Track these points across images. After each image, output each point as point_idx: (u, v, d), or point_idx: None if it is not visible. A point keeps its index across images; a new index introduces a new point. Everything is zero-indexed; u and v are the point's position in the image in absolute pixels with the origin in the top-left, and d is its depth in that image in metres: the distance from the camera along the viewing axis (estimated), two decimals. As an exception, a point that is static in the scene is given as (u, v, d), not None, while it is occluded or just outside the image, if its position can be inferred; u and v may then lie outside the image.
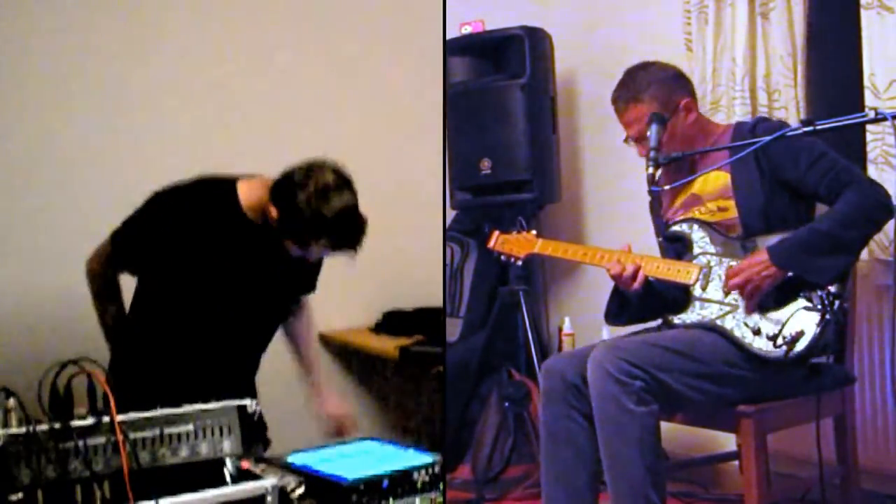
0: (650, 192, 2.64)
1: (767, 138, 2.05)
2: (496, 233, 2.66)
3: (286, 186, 2.14)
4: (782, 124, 2.49)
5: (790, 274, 2.20)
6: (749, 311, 2.25)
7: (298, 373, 2.58)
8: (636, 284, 2.36)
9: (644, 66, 2.51)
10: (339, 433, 2.45)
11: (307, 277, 2.49)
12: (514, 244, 2.60)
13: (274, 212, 2.15)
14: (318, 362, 2.58)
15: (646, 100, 2.43)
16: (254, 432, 2.28)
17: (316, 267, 2.49)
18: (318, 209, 2.10)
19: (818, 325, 2.17)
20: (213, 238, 2.22)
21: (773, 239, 2.27)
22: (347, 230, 2.14)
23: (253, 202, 2.22)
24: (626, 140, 2.51)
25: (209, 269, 2.23)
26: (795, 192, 2.34)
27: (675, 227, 2.46)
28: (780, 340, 2.19)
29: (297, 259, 2.25)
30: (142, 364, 2.28)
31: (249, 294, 2.30)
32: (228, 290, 2.27)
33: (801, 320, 2.20)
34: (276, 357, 2.50)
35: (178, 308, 2.26)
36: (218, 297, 2.26)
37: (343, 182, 2.17)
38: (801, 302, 2.21)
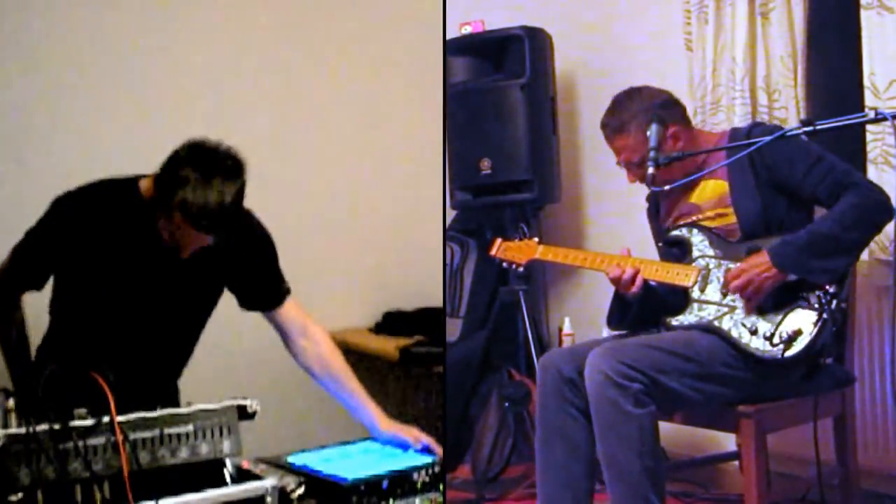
0: (648, 199, 2.65)
1: (767, 138, 2.06)
2: (498, 240, 2.67)
3: (170, 160, 2.02)
4: (778, 128, 2.49)
5: (791, 276, 2.20)
6: (749, 312, 2.25)
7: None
8: (635, 288, 2.36)
9: (630, 95, 2.48)
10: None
11: (251, 275, 2.31)
12: (515, 251, 2.62)
13: (152, 184, 2.05)
14: (358, 387, 2.30)
15: (632, 131, 2.42)
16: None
17: (261, 261, 2.32)
18: (191, 176, 1.96)
19: (815, 324, 2.17)
20: (118, 237, 2.12)
21: (773, 242, 2.27)
22: (214, 205, 1.96)
23: (150, 195, 2.10)
24: (618, 163, 2.51)
25: (119, 269, 2.14)
26: (794, 197, 2.34)
27: (675, 232, 2.46)
28: (776, 340, 2.19)
29: (218, 253, 2.15)
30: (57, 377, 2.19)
31: (163, 291, 2.19)
32: (140, 288, 2.17)
33: (798, 320, 2.20)
34: (275, 357, 2.49)
35: (93, 314, 2.16)
36: (130, 297, 2.17)
37: (223, 160, 2.02)
38: (799, 302, 2.21)
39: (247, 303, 2.34)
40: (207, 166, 1.97)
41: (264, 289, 2.32)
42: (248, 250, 2.28)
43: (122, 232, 2.12)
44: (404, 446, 2.12)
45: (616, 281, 2.38)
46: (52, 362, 2.14)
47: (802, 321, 2.19)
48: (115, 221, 2.12)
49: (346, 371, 2.31)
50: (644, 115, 2.41)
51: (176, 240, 2.06)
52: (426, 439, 2.12)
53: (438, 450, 2.09)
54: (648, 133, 2.34)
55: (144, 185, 2.12)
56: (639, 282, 2.36)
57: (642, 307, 2.43)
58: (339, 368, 2.31)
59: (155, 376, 2.28)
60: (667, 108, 2.46)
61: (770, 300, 2.23)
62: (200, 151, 2.01)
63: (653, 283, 2.40)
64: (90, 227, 2.10)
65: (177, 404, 2.23)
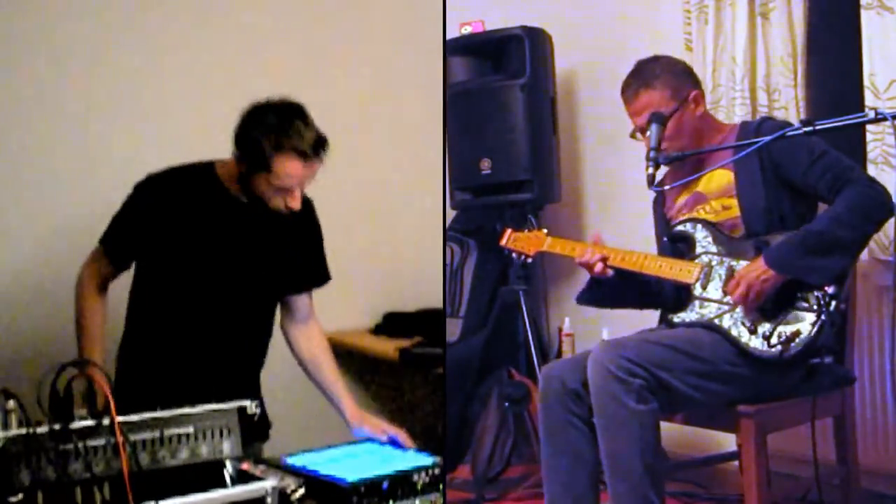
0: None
1: (769, 137, 2.05)
2: (508, 230, 2.68)
3: (243, 122, 2.16)
4: (787, 124, 2.49)
5: (788, 277, 2.20)
6: (751, 316, 2.25)
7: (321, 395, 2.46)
8: (598, 269, 2.41)
9: (655, 58, 2.54)
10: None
11: (307, 257, 2.43)
12: (524, 242, 2.64)
13: (237, 153, 2.16)
14: (339, 381, 2.42)
15: (658, 87, 2.44)
16: (255, 429, 2.29)
17: (315, 245, 2.44)
18: (271, 120, 2.12)
19: (814, 325, 2.17)
20: (201, 218, 2.22)
21: (775, 238, 2.27)
22: (304, 133, 2.12)
23: (232, 177, 2.23)
24: (632, 134, 2.51)
25: (202, 251, 2.23)
26: (797, 192, 2.34)
27: (680, 227, 2.47)
28: (774, 340, 2.19)
29: (288, 232, 2.26)
30: (143, 364, 2.28)
31: (243, 272, 2.28)
32: (222, 268, 2.26)
33: (797, 321, 2.20)
34: (275, 357, 2.49)
35: (177, 297, 2.25)
36: (214, 278, 2.25)
37: (293, 105, 2.18)
38: (798, 303, 2.21)
39: (297, 282, 2.43)
40: (278, 111, 2.14)
41: (315, 268, 2.46)
42: (311, 229, 2.43)
43: (204, 210, 2.22)
44: (372, 439, 2.19)
45: (586, 265, 2.44)
46: (135, 360, 2.28)
47: (801, 322, 2.19)
48: (198, 201, 2.22)
49: (328, 361, 2.44)
50: (669, 74, 2.47)
51: (284, 190, 2.15)
52: (394, 431, 2.19)
53: (408, 441, 2.15)
54: (649, 133, 2.35)
55: (220, 166, 2.25)
56: (601, 266, 2.41)
57: (614, 290, 2.48)
58: (325, 359, 2.43)
59: (237, 368, 2.34)
60: (688, 73, 2.54)
61: (770, 300, 2.23)
62: (262, 106, 2.15)
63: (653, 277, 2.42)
64: (173, 208, 2.21)
65: (259, 399, 2.31)
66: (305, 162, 2.12)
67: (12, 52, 2.93)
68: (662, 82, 2.45)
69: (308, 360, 2.44)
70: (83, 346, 2.27)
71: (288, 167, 2.11)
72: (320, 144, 2.14)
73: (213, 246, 2.25)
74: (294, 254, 2.38)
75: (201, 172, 2.26)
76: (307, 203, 2.38)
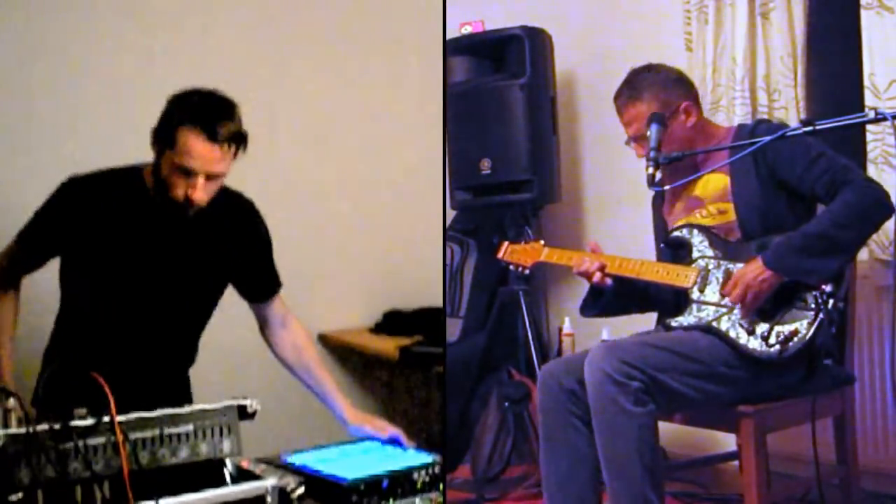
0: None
1: (767, 138, 2.05)
2: (505, 243, 2.69)
3: (166, 105, 2.08)
4: (782, 125, 2.49)
5: (786, 278, 2.20)
6: (749, 317, 2.24)
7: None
8: (596, 279, 2.42)
9: (648, 68, 2.52)
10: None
11: (251, 266, 2.35)
12: (521, 254, 2.65)
13: (152, 138, 2.08)
14: (328, 381, 2.37)
15: (645, 99, 2.43)
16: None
17: (259, 252, 2.36)
18: (192, 98, 2.05)
19: (812, 324, 2.17)
20: (121, 221, 2.15)
21: (772, 241, 2.27)
22: (221, 118, 2.00)
23: (150, 174, 2.15)
24: (627, 142, 2.51)
25: (122, 254, 2.16)
26: (794, 193, 2.34)
27: (676, 233, 2.47)
28: (773, 340, 2.19)
29: (219, 236, 2.20)
30: (65, 363, 2.21)
31: (169, 273, 2.22)
32: (141, 273, 2.19)
33: (795, 321, 2.20)
34: (275, 357, 2.49)
35: (98, 299, 2.19)
36: (133, 281, 2.19)
37: (219, 97, 2.08)
38: (796, 302, 2.21)
39: (246, 293, 2.39)
40: (206, 96, 2.05)
41: (261, 281, 2.38)
42: (253, 239, 2.33)
43: (127, 214, 2.15)
44: (372, 437, 2.17)
45: (584, 274, 2.45)
46: (59, 360, 2.20)
47: (799, 322, 2.19)
48: (121, 204, 2.15)
49: (318, 362, 2.40)
50: (658, 86, 2.45)
51: (183, 176, 2.03)
52: (393, 430, 2.17)
53: (407, 440, 2.14)
54: (648, 133, 2.34)
55: (147, 171, 2.16)
56: (599, 276, 2.42)
57: (615, 297, 2.47)
58: (312, 359, 2.39)
59: (164, 367, 2.30)
60: (681, 83, 2.51)
61: (768, 301, 2.23)
62: (196, 90, 2.06)
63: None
64: (96, 209, 2.13)
65: (188, 396, 2.31)
66: (211, 143, 1.98)
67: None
68: (650, 95, 2.44)
69: (295, 365, 2.39)
70: None
71: (190, 141, 1.98)
72: (237, 135, 2.03)
73: (132, 250, 2.17)
74: (230, 259, 2.29)
75: (126, 175, 2.17)
76: (248, 208, 2.30)
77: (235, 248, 2.28)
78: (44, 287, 2.31)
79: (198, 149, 2.00)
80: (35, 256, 2.24)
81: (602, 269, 2.43)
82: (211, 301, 2.35)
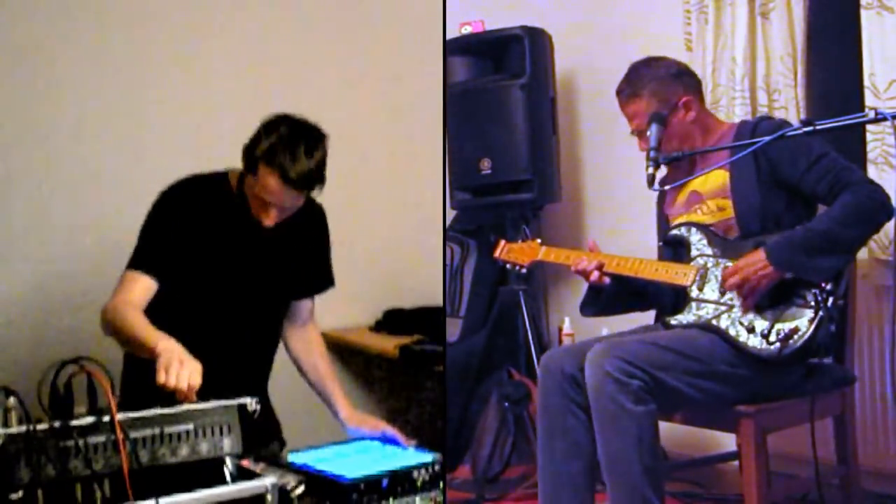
0: (660, 183, 2.64)
1: (767, 138, 2.05)
2: (502, 242, 2.68)
3: (259, 128, 2.15)
4: (784, 123, 2.49)
5: (786, 273, 2.20)
6: (746, 310, 2.25)
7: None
8: (593, 278, 2.42)
9: (648, 62, 2.52)
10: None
11: (307, 269, 2.42)
12: (518, 253, 2.64)
13: (242, 165, 2.15)
14: (333, 381, 2.42)
15: (644, 96, 2.44)
16: (268, 432, 2.29)
17: (322, 252, 2.45)
18: (278, 131, 2.11)
19: (812, 322, 2.17)
20: (211, 227, 2.22)
21: (770, 239, 2.27)
22: (300, 158, 2.07)
23: (236, 184, 2.24)
24: (632, 132, 2.51)
25: (211, 258, 2.24)
26: (794, 193, 2.34)
27: (674, 232, 2.47)
28: (773, 338, 2.19)
29: (295, 239, 2.27)
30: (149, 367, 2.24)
31: (250, 281, 2.29)
32: (230, 277, 2.26)
33: (795, 318, 2.20)
34: (276, 357, 2.49)
35: (185, 304, 2.23)
36: (222, 285, 2.26)
37: (311, 127, 2.16)
38: (796, 300, 2.21)
39: (301, 287, 2.44)
40: (294, 128, 2.12)
41: (321, 275, 2.47)
42: (318, 235, 2.43)
43: (216, 220, 2.23)
44: (370, 437, 2.19)
45: (582, 273, 2.45)
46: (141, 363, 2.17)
47: (799, 319, 2.19)
48: (211, 210, 2.22)
49: (325, 365, 2.45)
50: (657, 82, 2.45)
51: (260, 201, 2.14)
52: (391, 430, 2.19)
53: (405, 440, 2.16)
54: (648, 133, 2.35)
55: (232, 175, 2.25)
56: (596, 274, 2.42)
57: (614, 296, 2.47)
58: (319, 357, 2.45)
59: (247, 372, 2.33)
60: (681, 77, 2.50)
61: (767, 298, 2.23)
62: (287, 118, 2.15)
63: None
64: (190, 217, 2.20)
65: (268, 404, 2.36)
66: (286, 187, 2.09)
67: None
68: (649, 92, 2.44)
69: (305, 362, 2.45)
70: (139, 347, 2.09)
71: (269, 181, 2.09)
72: (311, 179, 2.10)
73: (221, 254, 2.25)
74: (301, 261, 2.38)
75: (214, 182, 2.27)
76: (317, 211, 2.40)
77: (306, 246, 2.37)
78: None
79: (274, 190, 2.10)
80: (164, 273, 2.19)
81: (600, 267, 2.43)
82: (288, 300, 2.43)
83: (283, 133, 2.09)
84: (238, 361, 2.29)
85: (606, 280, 2.44)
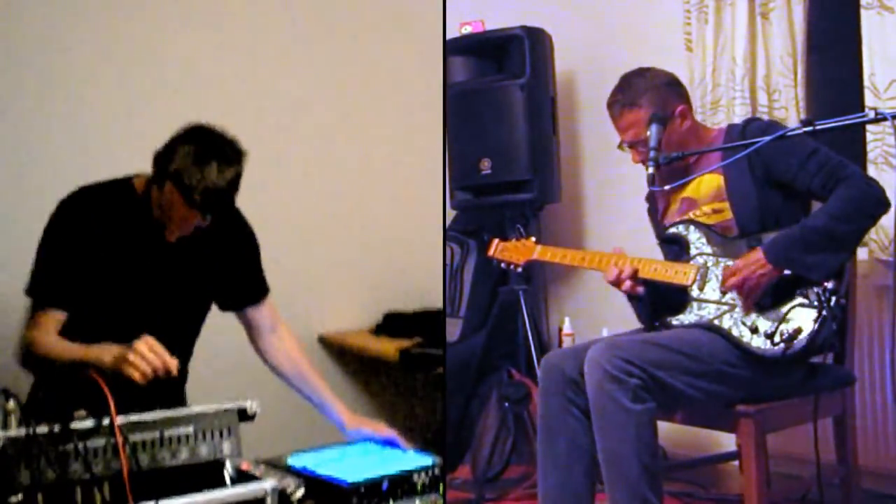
0: (648, 199, 2.64)
1: (767, 139, 2.05)
2: (495, 241, 2.67)
3: (171, 138, 2.04)
4: (773, 123, 2.50)
5: (787, 272, 2.20)
6: (747, 310, 2.25)
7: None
8: (626, 287, 2.38)
9: (641, 73, 2.51)
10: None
11: (239, 272, 2.33)
12: (513, 251, 2.63)
13: (152, 173, 2.05)
14: (322, 387, 2.34)
15: (643, 105, 2.43)
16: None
17: (247, 258, 2.34)
18: (187, 149, 1.99)
19: (815, 321, 2.17)
20: (116, 232, 2.13)
21: (769, 236, 2.27)
22: (207, 181, 1.97)
23: (143, 189, 2.14)
24: (620, 146, 2.51)
25: (117, 262, 2.14)
26: (789, 191, 2.34)
27: (672, 230, 2.46)
28: (777, 338, 2.19)
29: (210, 246, 2.18)
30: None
31: (159, 284, 2.19)
32: (139, 281, 2.17)
33: (798, 317, 2.20)
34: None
35: (95, 309, 2.14)
36: (130, 291, 2.16)
37: (225, 144, 2.04)
38: (798, 299, 2.21)
39: (230, 299, 2.35)
40: (205, 145, 2.00)
41: (249, 284, 2.36)
42: (237, 245, 2.31)
43: (119, 231, 2.14)
44: (371, 440, 2.17)
45: (615, 283, 2.40)
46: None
47: (802, 319, 2.19)
48: (113, 221, 2.13)
49: (311, 368, 2.37)
50: (654, 91, 2.44)
51: (164, 214, 2.06)
52: (391, 433, 2.16)
53: (405, 443, 2.13)
54: (649, 133, 2.34)
55: (138, 182, 2.15)
56: (630, 280, 2.38)
57: (653, 303, 2.44)
58: (306, 366, 2.36)
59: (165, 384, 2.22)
60: (674, 87, 2.50)
61: (769, 298, 2.23)
62: (200, 132, 2.04)
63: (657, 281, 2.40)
64: (90, 230, 2.11)
65: (183, 403, 2.24)
66: (191, 209, 2.01)
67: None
68: (647, 101, 2.43)
69: (288, 371, 2.36)
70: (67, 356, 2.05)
71: (172, 199, 2.01)
72: (219, 202, 2.01)
73: (127, 267, 2.15)
74: (219, 271, 2.28)
75: (116, 189, 2.16)
76: (235, 216, 2.29)
77: (221, 250, 2.26)
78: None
79: (177, 206, 2.02)
80: (69, 302, 2.12)
81: (633, 275, 2.38)
82: (202, 309, 2.33)
83: (194, 151, 1.98)
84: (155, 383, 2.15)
85: (640, 289, 2.39)
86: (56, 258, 2.12)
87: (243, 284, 2.36)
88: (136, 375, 1.79)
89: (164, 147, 2.03)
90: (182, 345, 2.31)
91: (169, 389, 2.19)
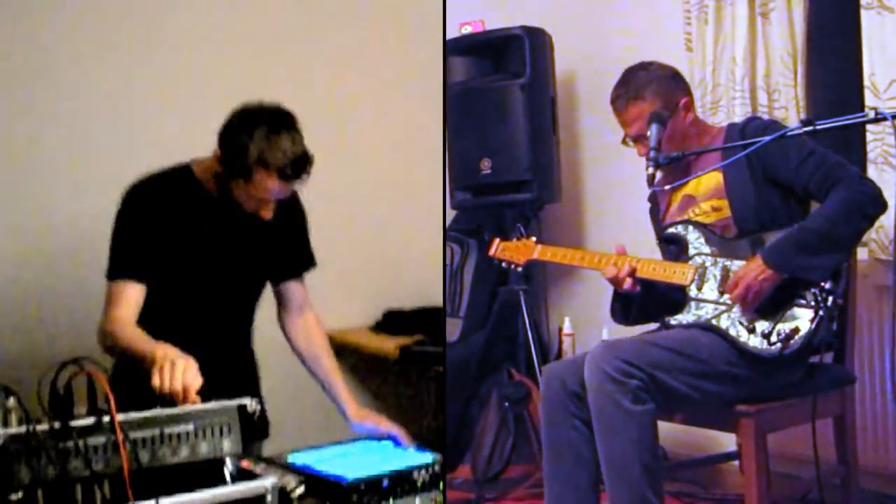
0: (650, 199, 2.65)
1: (766, 138, 2.05)
2: (496, 240, 2.68)
3: (230, 124, 2.13)
4: (772, 123, 2.50)
5: (786, 275, 2.20)
6: (749, 316, 2.24)
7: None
8: (626, 286, 2.38)
9: (644, 66, 2.53)
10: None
11: (287, 249, 2.42)
12: (513, 251, 2.63)
13: (219, 153, 2.13)
14: (335, 374, 2.40)
15: (648, 98, 2.44)
16: (255, 428, 2.29)
17: (299, 232, 2.44)
18: (259, 132, 2.08)
19: (812, 321, 2.17)
20: (183, 220, 2.21)
21: (768, 237, 2.27)
22: (290, 153, 2.09)
23: (209, 174, 2.21)
24: (623, 140, 2.51)
25: (185, 250, 2.22)
26: (787, 190, 2.35)
27: (671, 230, 2.46)
28: (774, 338, 2.19)
29: (263, 225, 2.24)
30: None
31: (225, 267, 2.28)
32: (206, 265, 2.25)
33: (795, 318, 2.20)
34: (278, 354, 2.49)
35: (163, 293, 2.22)
36: (198, 274, 2.25)
37: (284, 114, 2.15)
38: (796, 300, 2.21)
39: (281, 269, 2.43)
40: (269, 121, 2.09)
41: (300, 255, 2.45)
42: (293, 214, 2.41)
43: (187, 213, 2.21)
44: (372, 437, 2.19)
45: (613, 280, 2.40)
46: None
47: (800, 319, 2.19)
48: (180, 204, 2.21)
49: (327, 355, 2.42)
50: (658, 83, 2.46)
51: (259, 199, 2.15)
52: (393, 429, 2.18)
53: (406, 439, 2.15)
54: (649, 133, 2.35)
55: (198, 167, 2.24)
56: (630, 278, 2.37)
57: (645, 304, 2.44)
58: (322, 350, 2.42)
59: (228, 347, 2.34)
60: (677, 80, 2.52)
61: (768, 299, 2.23)
62: (254, 112, 2.12)
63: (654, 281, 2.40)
64: (161, 213, 2.19)
65: (255, 372, 2.40)
66: (285, 181, 2.11)
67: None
68: (653, 93, 2.44)
69: (305, 353, 2.43)
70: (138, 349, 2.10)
71: (267, 183, 2.10)
72: (303, 165, 2.12)
73: (198, 246, 2.24)
74: (277, 244, 2.37)
75: (178, 175, 2.24)
76: (294, 195, 2.36)
77: (282, 229, 2.35)
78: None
79: (274, 188, 2.12)
80: (147, 276, 2.19)
81: (632, 273, 2.38)
82: (263, 279, 2.42)
83: (265, 134, 2.07)
84: (224, 351, 2.29)
85: (637, 288, 2.40)
86: (128, 235, 2.19)
87: (295, 254, 2.44)
88: (157, 384, 1.82)
89: (229, 137, 2.11)
90: (247, 318, 2.40)
91: (237, 355, 2.37)
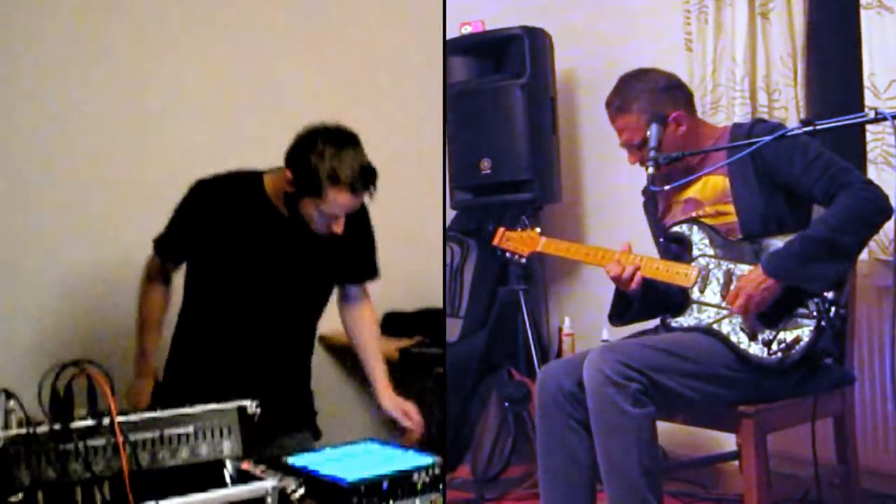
0: (644, 193, 2.64)
1: (767, 138, 2.04)
2: (501, 229, 2.67)
3: (298, 146, 2.24)
4: (779, 125, 2.49)
5: (787, 284, 2.20)
6: (751, 326, 2.24)
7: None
8: (634, 285, 2.36)
9: (638, 75, 2.49)
10: (402, 434, 2.47)
11: (354, 258, 2.53)
12: (517, 241, 2.62)
13: (289, 174, 2.23)
14: (376, 360, 2.58)
15: (634, 111, 2.42)
16: (305, 421, 2.48)
17: (362, 245, 2.54)
18: (327, 151, 2.19)
19: (814, 332, 2.17)
20: (244, 227, 2.32)
21: (772, 241, 2.26)
22: (357, 167, 2.20)
23: (278, 190, 2.31)
24: (621, 145, 2.51)
25: (244, 258, 2.33)
26: (792, 194, 2.33)
27: (676, 228, 2.45)
28: (775, 346, 2.18)
29: (329, 242, 2.33)
30: (192, 357, 2.40)
31: (285, 281, 2.37)
32: (265, 275, 2.35)
33: (797, 328, 2.19)
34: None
35: (220, 296, 2.36)
36: (256, 282, 2.35)
37: (347, 133, 2.27)
38: (798, 309, 2.20)
39: (345, 276, 2.57)
40: (335, 140, 2.22)
41: (365, 265, 2.59)
42: (362, 232, 2.52)
43: (250, 219, 2.32)
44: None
45: (616, 279, 2.39)
46: (189, 351, 2.42)
47: (801, 328, 2.19)
48: (244, 209, 2.32)
49: (374, 344, 2.61)
50: (647, 96, 2.43)
51: (330, 215, 2.25)
52: (419, 422, 2.37)
53: (415, 437, 2.29)
54: (649, 133, 2.34)
55: (268, 179, 2.34)
56: (638, 278, 2.36)
57: (643, 303, 2.43)
58: (370, 338, 2.61)
59: (286, 356, 2.47)
60: (671, 91, 2.47)
61: (769, 307, 2.22)
62: (320, 132, 2.24)
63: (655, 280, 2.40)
64: (219, 214, 2.31)
65: (308, 383, 2.57)
66: (355, 195, 2.22)
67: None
68: (639, 107, 2.42)
69: (354, 338, 2.61)
70: (139, 334, 2.43)
71: (340, 199, 2.20)
72: (370, 177, 2.23)
73: (255, 254, 2.33)
74: (345, 256, 2.47)
75: (249, 182, 2.35)
76: (362, 207, 2.45)
77: (348, 243, 2.42)
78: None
79: (346, 203, 2.23)
80: (167, 258, 2.44)
81: (634, 273, 2.36)
82: (327, 293, 2.54)
83: (333, 152, 2.18)
84: (274, 352, 2.40)
85: (637, 288, 2.38)
86: (180, 221, 2.37)
87: (361, 266, 2.59)
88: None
89: (298, 158, 2.22)
90: (307, 322, 2.52)
91: (295, 366, 2.52)
